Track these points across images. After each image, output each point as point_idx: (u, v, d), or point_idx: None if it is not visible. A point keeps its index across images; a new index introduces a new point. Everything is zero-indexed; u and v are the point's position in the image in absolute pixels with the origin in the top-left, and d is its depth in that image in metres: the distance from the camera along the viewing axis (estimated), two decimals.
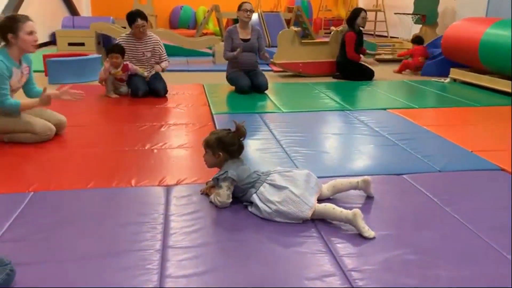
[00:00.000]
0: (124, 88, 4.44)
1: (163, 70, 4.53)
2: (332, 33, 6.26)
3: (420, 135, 3.26)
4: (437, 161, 2.71)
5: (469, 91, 5.08)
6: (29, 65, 3.04)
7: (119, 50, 4.28)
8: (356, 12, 5.80)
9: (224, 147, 2.08)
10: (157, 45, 4.50)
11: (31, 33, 2.85)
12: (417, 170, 2.58)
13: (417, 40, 6.67)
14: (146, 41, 4.44)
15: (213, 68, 6.61)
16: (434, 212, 2.08)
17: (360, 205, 2.12)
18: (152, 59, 4.52)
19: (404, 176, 2.48)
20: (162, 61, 4.55)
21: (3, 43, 2.86)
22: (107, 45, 7.55)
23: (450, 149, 2.97)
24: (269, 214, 1.94)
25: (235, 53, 4.57)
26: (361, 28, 5.84)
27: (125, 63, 4.33)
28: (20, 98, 2.98)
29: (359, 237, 1.83)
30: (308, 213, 1.91)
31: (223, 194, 2.02)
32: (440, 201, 2.16)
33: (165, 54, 4.58)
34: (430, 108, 4.32)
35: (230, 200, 2.05)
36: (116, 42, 4.47)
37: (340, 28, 6.25)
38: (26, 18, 2.87)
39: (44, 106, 2.98)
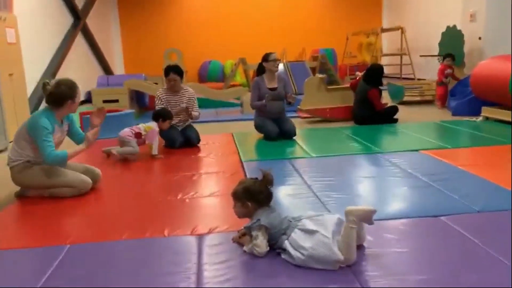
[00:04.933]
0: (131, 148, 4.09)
1: (191, 116, 4.60)
2: (358, 78, 6.32)
3: (455, 175, 3.18)
4: (475, 201, 2.62)
5: (503, 129, 4.96)
6: (69, 122, 3.26)
7: (170, 116, 4.35)
8: (380, 70, 5.83)
9: (252, 196, 2.08)
10: (192, 98, 4.65)
11: (79, 97, 3.14)
12: (455, 211, 2.49)
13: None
14: (182, 93, 4.61)
15: (241, 117, 6.74)
16: (475, 254, 1.99)
17: (395, 249, 2.05)
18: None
19: (441, 218, 2.40)
20: (193, 111, 4.66)
21: (49, 106, 3.06)
22: (140, 102, 7.86)
23: (487, 188, 2.87)
24: (302, 261, 1.90)
25: (263, 101, 4.65)
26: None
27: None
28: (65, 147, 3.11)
29: (398, 283, 1.75)
30: (341, 255, 1.85)
31: (261, 244, 2.00)
32: (481, 243, 2.07)
33: (197, 106, 4.70)
34: (464, 148, 4.23)
35: (268, 248, 2.02)
36: (157, 95, 4.61)
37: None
38: (76, 84, 3.14)
39: (90, 145, 3.15)
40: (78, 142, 3.28)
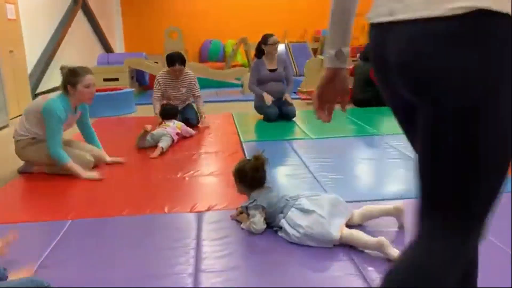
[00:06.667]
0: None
1: (202, 116, 4.62)
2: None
3: None
4: None
5: None
6: (82, 110, 3.24)
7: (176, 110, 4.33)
8: None
9: (241, 179, 2.18)
10: (193, 81, 4.62)
11: (88, 86, 3.02)
12: None
13: None
14: (183, 78, 4.56)
15: (242, 98, 6.74)
16: None
17: (393, 230, 2.10)
18: (187, 94, 4.67)
19: None
20: (195, 95, 4.64)
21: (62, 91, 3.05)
22: (140, 81, 7.83)
23: None
24: (298, 239, 1.95)
25: (265, 98, 4.66)
26: None
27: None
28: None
29: (392, 261, 1.80)
30: (336, 235, 1.90)
31: (258, 221, 2.05)
32: None
33: (198, 89, 4.66)
34: None
35: (265, 225, 2.07)
36: (156, 78, 4.59)
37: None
38: (85, 72, 3.04)
39: (85, 175, 2.96)
40: (84, 133, 3.34)
